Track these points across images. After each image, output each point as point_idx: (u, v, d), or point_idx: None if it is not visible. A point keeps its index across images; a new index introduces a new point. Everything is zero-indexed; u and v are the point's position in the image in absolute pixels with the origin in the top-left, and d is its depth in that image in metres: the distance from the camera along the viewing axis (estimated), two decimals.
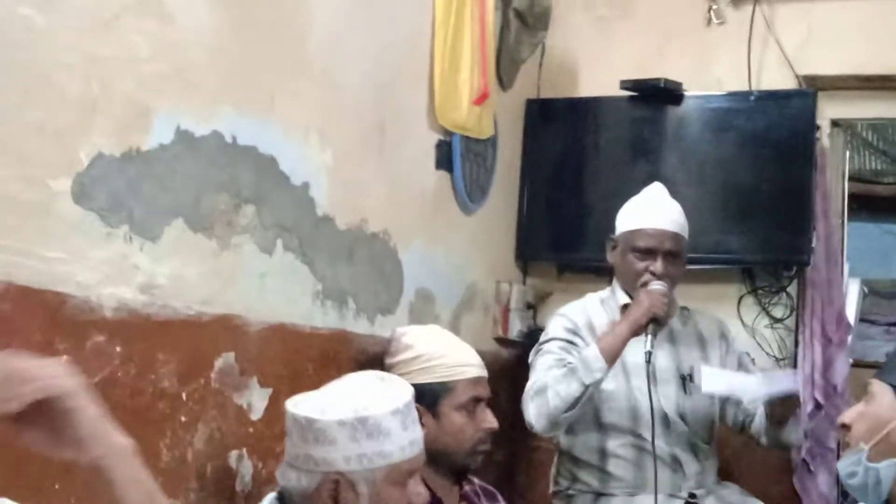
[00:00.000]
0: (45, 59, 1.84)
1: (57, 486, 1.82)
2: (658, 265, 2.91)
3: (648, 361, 2.80)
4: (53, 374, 1.17)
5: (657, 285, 2.87)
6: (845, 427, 2.01)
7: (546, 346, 2.95)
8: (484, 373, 2.56)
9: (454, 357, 2.55)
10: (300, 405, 1.99)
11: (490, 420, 2.53)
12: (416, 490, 2.00)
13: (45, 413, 1.17)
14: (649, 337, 2.81)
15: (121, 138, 2.01)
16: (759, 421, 2.97)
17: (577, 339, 2.94)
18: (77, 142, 1.91)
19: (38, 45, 1.83)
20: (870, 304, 6.43)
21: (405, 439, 1.96)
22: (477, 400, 2.51)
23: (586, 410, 2.89)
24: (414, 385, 2.47)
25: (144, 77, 2.07)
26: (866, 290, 6.50)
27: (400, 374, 2.58)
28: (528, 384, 2.90)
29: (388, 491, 1.95)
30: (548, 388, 2.80)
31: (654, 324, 2.82)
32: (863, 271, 6.06)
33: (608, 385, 2.88)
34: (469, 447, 2.49)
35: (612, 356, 2.78)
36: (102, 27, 1.96)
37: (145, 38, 2.07)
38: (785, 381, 2.81)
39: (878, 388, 1.97)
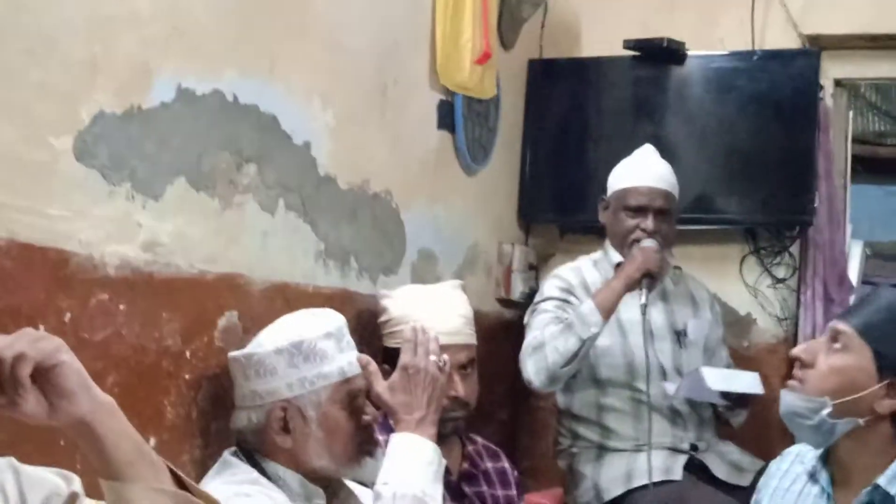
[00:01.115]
0: (47, 19, 1.84)
1: (62, 443, 1.83)
2: (649, 222, 2.98)
3: (644, 314, 2.87)
4: (33, 339, 1.18)
5: (649, 242, 2.93)
6: (802, 362, 1.92)
7: (541, 306, 2.99)
8: (453, 340, 2.51)
9: (419, 323, 2.54)
10: (239, 350, 2.07)
11: (455, 388, 2.49)
12: (364, 409, 2.04)
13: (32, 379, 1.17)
14: (644, 290, 2.87)
15: (122, 97, 2.01)
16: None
17: (571, 298, 2.99)
18: (79, 100, 1.92)
19: (40, 6, 1.82)
20: (872, 267, 6.42)
21: (343, 360, 2.02)
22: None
23: (583, 367, 2.96)
24: (386, 347, 2.52)
25: (146, 37, 2.07)
26: (869, 252, 6.51)
27: (382, 336, 2.61)
28: (526, 342, 2.95)
29: (334, 411, 1.99)
30: (545, 345, 2.86)
31: (648, 278, 2.89)
32: (865, 233, 6.05)
33: (604, 341, 2.94)
34: None
35: (608, 310, 2.85)
36: None
37: None
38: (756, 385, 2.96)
39: (857, 343, 1.86)
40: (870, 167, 6.24)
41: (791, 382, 1.94)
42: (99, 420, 1.22)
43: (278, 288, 2.48)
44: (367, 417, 2.04)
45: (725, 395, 2.93)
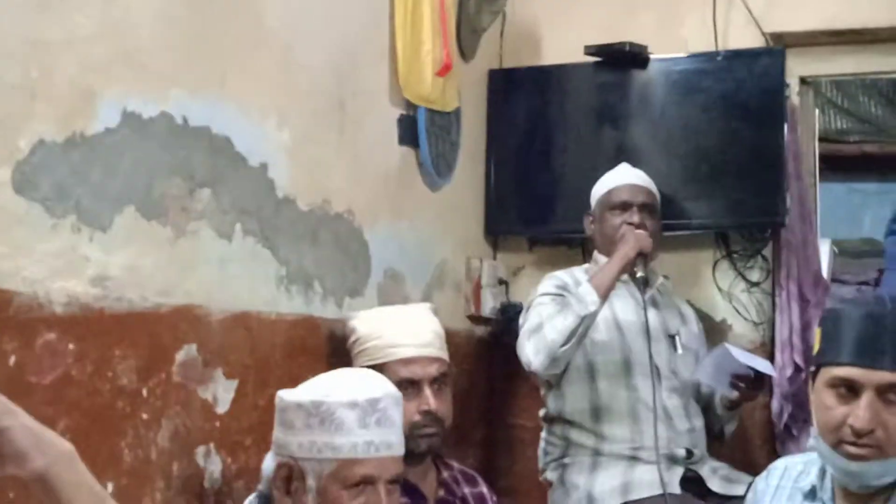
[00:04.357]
0: None
1: (12, 496, 1.73)
2: (635, 216, 3.05)
3: (642, 290, 2.94)
4: None
5: (639, 230, 3.00)
6: (872, 432, 1.79)
7: (537, 300, 2.99)
8: (424, 353, 2.47)
9: (387, 338, 2.48)
10: (288, 390, 1.96)
11: (427, 402, 2.42)
12: (372, 499, 1.87)
13: None
14: (640, 266, 2.94)
15: (63, 124, 1.92)
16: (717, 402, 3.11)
17: (566, 294, 2.96)
18: (16, 129, 1.82)
19: None
20: (840, 264, 6.42)
21: (361, 437, 1.86)
22: (411, 382, 2.41)
23: (578, 367, 2.97)
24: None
25: (88, 59, 1.99)
26: (836, 250, 6.50)
27: (352, 360, 2.53)
28: (524, 327, 2.94)
29: (334, 490, 1.85)
30: (543, 325, 2.86)
31: (642, 258, 2.95)
32: (831, 232, 6.04)
33: (601, 336, 2.98)
34: (406, 431, 2.37)
35: (604, 291, 2.87)
36: (42, 7, 1.87)
37: (88, 18, 1.98)
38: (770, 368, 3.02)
39: None
40: (833, 165, 6.22)
41: (861, 452, 1.80)
42: (55, 474, 1.19)
43: (239, 317, 2.38)
44: None
45: (738, 379, 2.91)
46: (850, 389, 1.80)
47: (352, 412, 1.86)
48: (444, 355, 2.54)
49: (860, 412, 1.78)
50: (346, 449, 1.85)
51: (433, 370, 2.46)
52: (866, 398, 1.78)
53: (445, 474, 2.52)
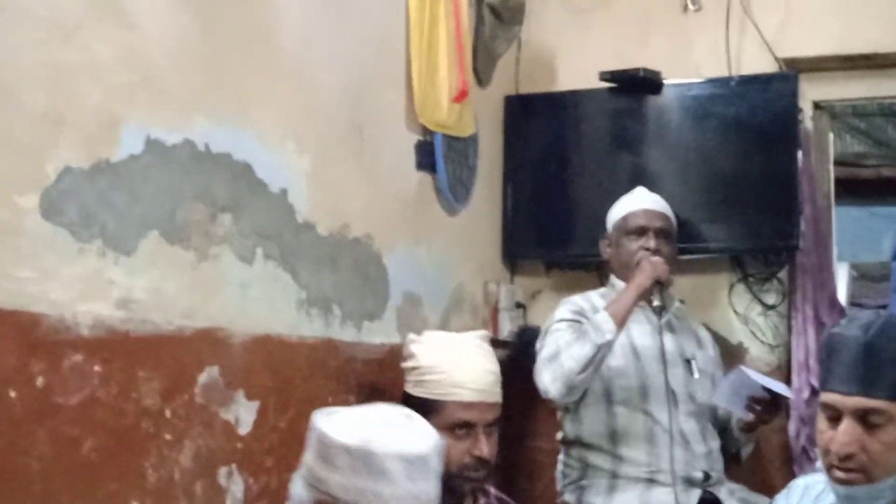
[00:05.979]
0: (7, 71, 1.78)
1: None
2: (651, 241, 3.06)
3: (658, 314, 2.97)
4: None
5: (656, 257, 3.00)
6: (856, 456, 1.82)
7: (553, 327, 2.99)
8: (484, 398, 2.41)
9: (450, 376, 2.42)
10: (326, 417, 1.91)
11: (480, 448, 2.38)
12: None
13: None
14: (657, 294, 2.95)
15: (89, 150, 1.94)
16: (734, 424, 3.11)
17: (583, 320, 2.97)
18: (43, 156, 1.85)
19: None
20: (859, 288, 6.41)
21: (408, 491, 1.84)
22: (467, 425, 2.38)
23: (595, 391, 2.98)
24: (409, 395, 2.42)
25: (111, 87, 2.01)
26: (855, 273, 6.49)
27: (405, 381, 2.51)
28: (540, 355, 2.93)
29: None
30: (560, 353, 2.86)
31: (659, 286, 2.95)
32: (851, 255, 6.03)
33: (618, 362, 2.97)
34: (454, 470, 2.34)
35: (621, 319, 2.86)
36: (65, 36, 1.90)
37: (110, 47, 2.01)
38: (787, 389, 3.02)
39: (893, 409, 1.79)
40: (851, 189, 6.24)
41: (848, 476, 1.84)
42: None
43: (260, 340, 2.40)
44: None
45: (754, 401, 2.91)
46: (836, 414, 1.84)
47: (400, 465, 1.83)
48: (500, 398, 2.49)
49: (838, 436, 1.83)
50: (391, 500, 1.83)
51: (490, 416, 2.41)
52: (845, 423, 1.82)
53: (482, 501, 2.50)
